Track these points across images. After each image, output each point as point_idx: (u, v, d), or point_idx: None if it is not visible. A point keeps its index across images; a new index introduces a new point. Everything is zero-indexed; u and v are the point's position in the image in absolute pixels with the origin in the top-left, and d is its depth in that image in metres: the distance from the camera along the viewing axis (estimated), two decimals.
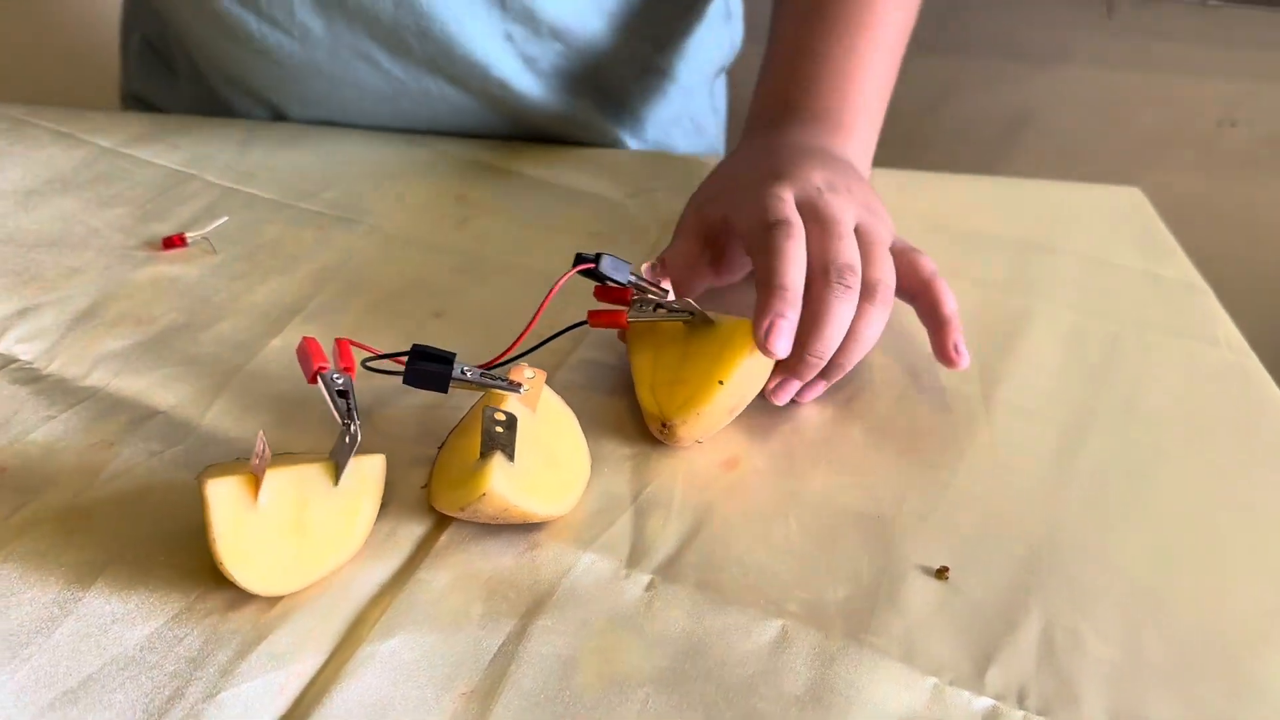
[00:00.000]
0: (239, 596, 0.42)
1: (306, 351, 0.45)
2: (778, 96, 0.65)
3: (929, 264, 0.56)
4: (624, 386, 0.53)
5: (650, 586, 0.43)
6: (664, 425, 0.48)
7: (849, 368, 0.52)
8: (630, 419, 0.52)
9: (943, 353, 0.54)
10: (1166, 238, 0.70)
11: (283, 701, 0.38)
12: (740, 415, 0.51)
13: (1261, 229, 1.47)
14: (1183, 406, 0.55)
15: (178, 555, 0.43)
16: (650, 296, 0.51)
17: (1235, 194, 1.45)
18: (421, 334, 0.56)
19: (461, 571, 0.44)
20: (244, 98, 0.78)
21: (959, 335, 0.54)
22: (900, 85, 1.40)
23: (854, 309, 0.50)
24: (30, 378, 0.52)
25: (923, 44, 1.44)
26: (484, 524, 0.45)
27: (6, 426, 0.49)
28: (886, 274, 0.52)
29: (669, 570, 0.44)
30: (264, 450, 0.41)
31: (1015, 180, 0.75)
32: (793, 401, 0.53)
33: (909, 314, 0.57)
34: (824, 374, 0.52)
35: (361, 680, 0.39)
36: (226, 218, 0.65)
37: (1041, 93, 1.41)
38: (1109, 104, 1.41)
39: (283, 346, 0.55)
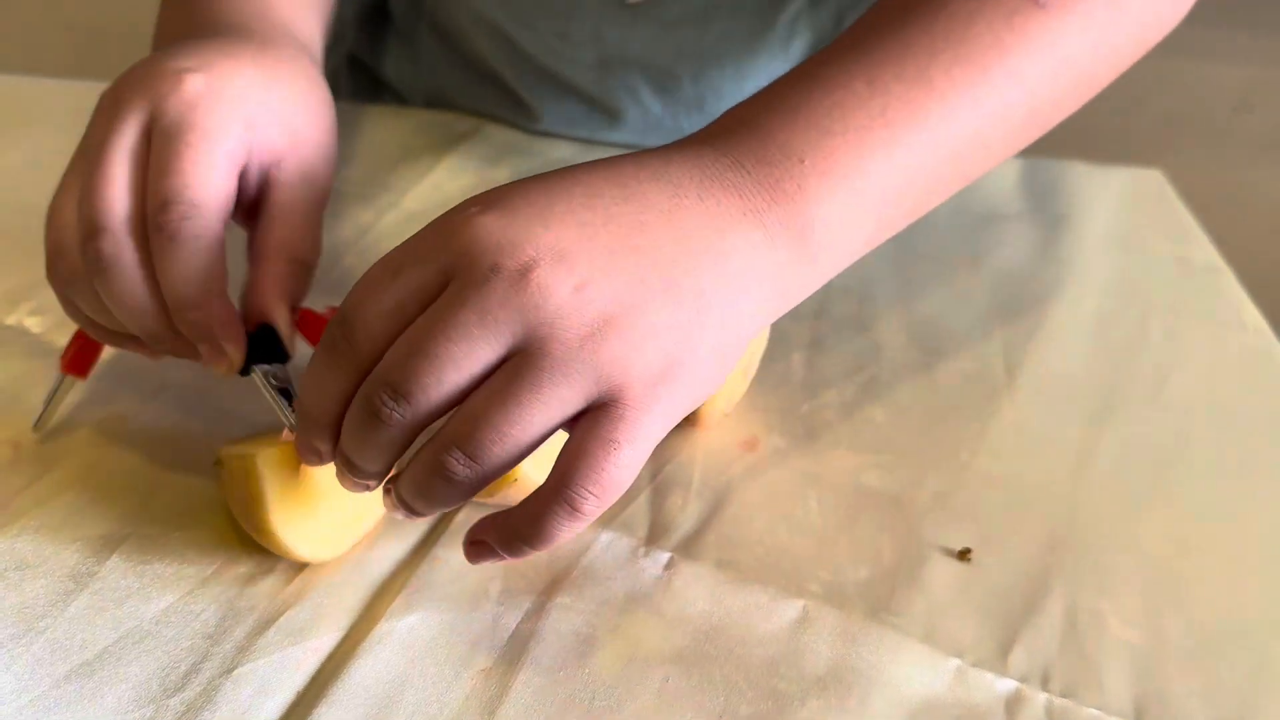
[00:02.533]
0: (256, 571, 0.42)
1: (306, 322, 0.45)
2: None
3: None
4: None
5: (669, 565, 0.43)
6: None
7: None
8: None
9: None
10: (1189, 220, 0.69)
11: (300, 677, 0.38)
12: (759, 397, 0.50)
13: (1278, 215, 1.46)
14: (1207, 390, 0.54)
15: (194, 529, 0.43)
16: None
17: (1251, 179, 1.43)
18: None
19: None
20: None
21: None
22: None
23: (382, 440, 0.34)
24: (43, 351, 0.52)
25: None
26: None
27: (20, 400, 0.49)
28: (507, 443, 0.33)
29: (688, 549, 0.44)
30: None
31: (1037, 161, 0.74)
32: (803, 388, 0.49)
33: (933, 293, 0.57)
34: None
35: (379, 657, 0.39)
36: None
37: None
38: (1124, 88, 1.40)
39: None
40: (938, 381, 0.54)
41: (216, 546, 0.43)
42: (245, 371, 0.42)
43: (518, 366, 0.32)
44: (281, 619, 0.40)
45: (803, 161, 0.36)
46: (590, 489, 0.33)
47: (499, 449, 0.33)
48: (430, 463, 0.33)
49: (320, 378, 0.35)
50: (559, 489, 0.33)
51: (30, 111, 0.73)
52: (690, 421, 0.48)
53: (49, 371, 0.50)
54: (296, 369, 0.41)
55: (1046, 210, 0.69)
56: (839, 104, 0.37)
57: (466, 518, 0.45)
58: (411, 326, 0.33)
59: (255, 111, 0.43)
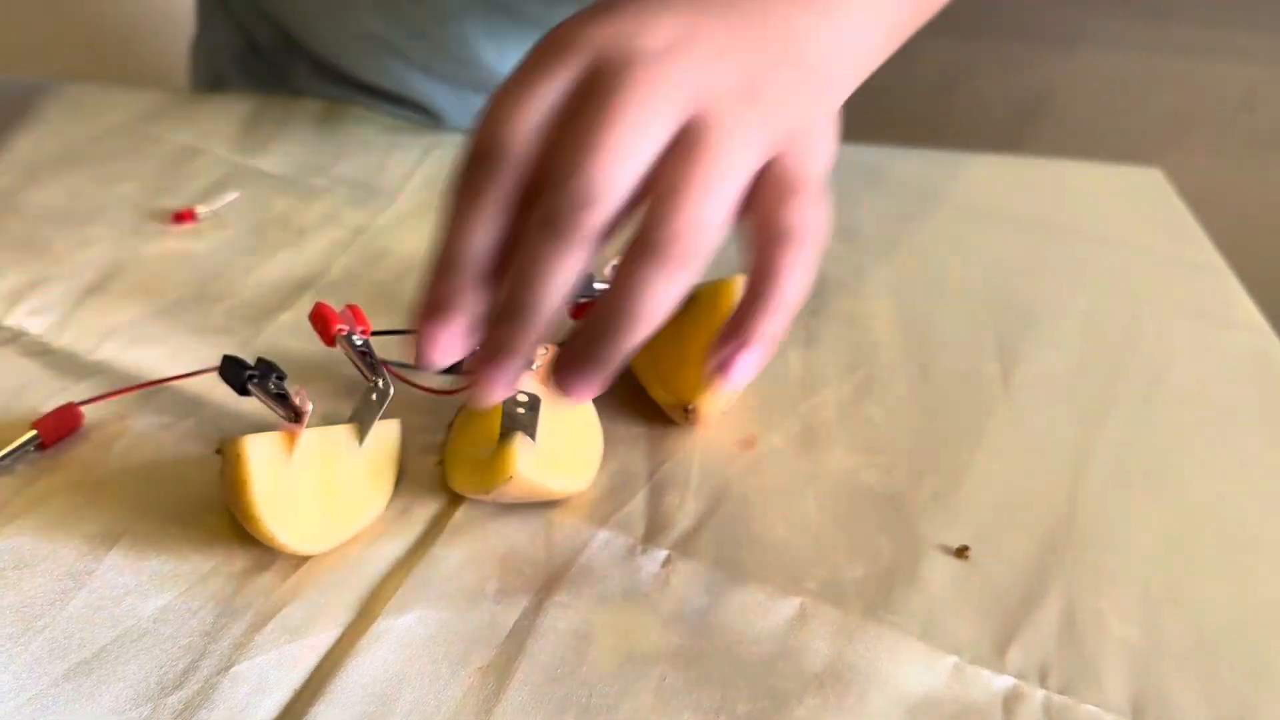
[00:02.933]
0: (253, 568, 0.42)
1: (322, 316, 0.45)
2: None
3: (800, 216, 0.34)
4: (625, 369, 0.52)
5: (666, 563, 0.43)
6: (687, 410, 0.48)
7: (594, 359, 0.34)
8: (637, 399, 0.51)
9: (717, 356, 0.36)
10: (1187, 219, 0.69)
11: (297, 675, 0.38)
12: (756, 395, 0.51)
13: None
14: (1203, 388, 0.54)
15: (190, 528, 0.43)
16: None
17: (1254, 178, 1.44)
18: None
19: (476, 548, 0.43)
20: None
21: (755, 343, 0.35)
22: (913, 68, 1.39)
23: (568, 263, 0.32)
24: (41, 350, 0.52)
25: (935, 27, 1.43)
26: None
27: (17, 399, 0.49)
28: (698, 215, 0.31)
29: (685, 547, 0.44)
30: (305, 405, 0.41)
31: (1035, 160, 0.75)
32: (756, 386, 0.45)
33: (927, 291, 0.57)
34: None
35: (376, 655, 0.39)
36: (238, 193, 0.64)
37: (1057, 75, 1.40)
38: (1125, 87, 1.40)
39: (293, 320, 0.54)
40: (933, 379, 0.54)
41: (213, 543, 0.43)
42: (244, 391, 0.42)
43: (693, 137, 0.32)
44: (278, 616, 0.40)
45: None
46: (804, 216, 0.34)
47: (709, 208, 0.31)
48: (642, 262, 0.31)
49: (470, 214, 0.32)
50: (778, 229, 0.33)
51: (30, 112, 0.73)
52: (687, 420, 0.48)
53: (46, 371, 0.50)
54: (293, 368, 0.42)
55: (1043, 208, 0.69)
56: None
57: (465, 516, 0.45)
58: (571, 128, 0.31)
59: None
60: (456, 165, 0.34)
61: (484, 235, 0.33)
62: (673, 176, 0.31)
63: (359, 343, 0.44)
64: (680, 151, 0.32)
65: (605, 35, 0.32)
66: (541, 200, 0.32)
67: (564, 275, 0.32)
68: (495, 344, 0.34)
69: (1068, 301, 0.60)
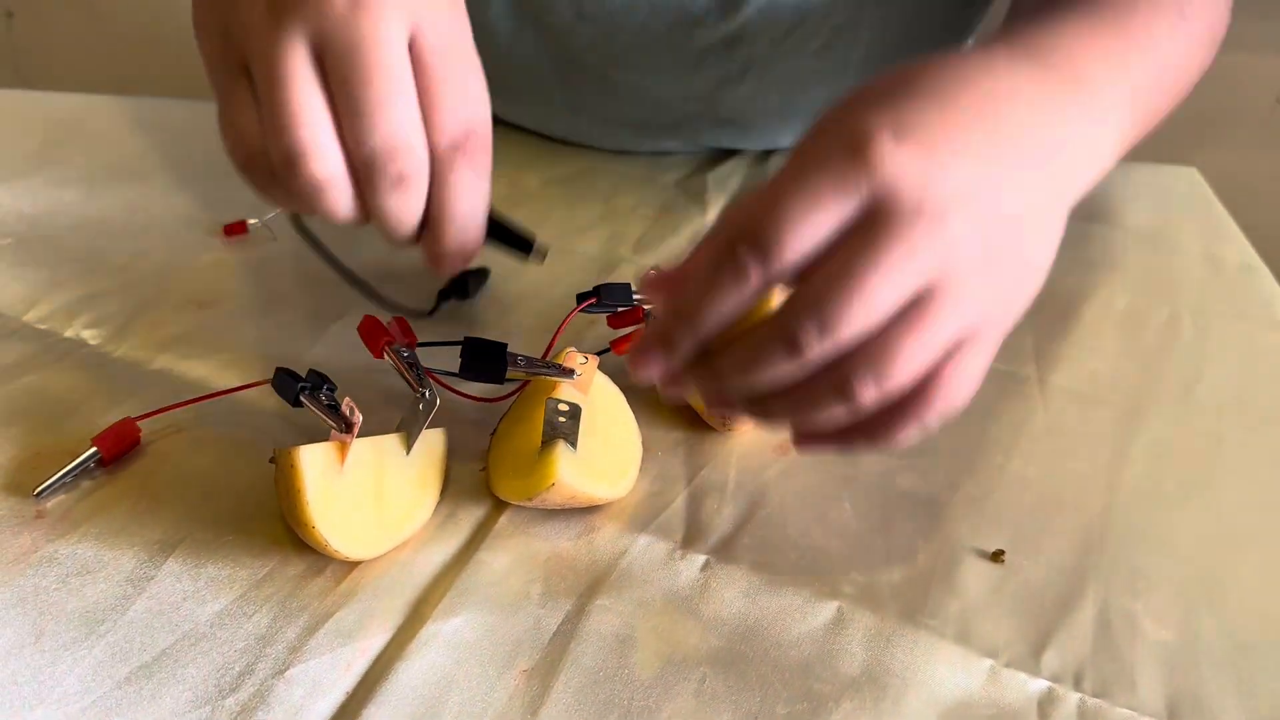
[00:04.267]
0: (306, 573, 0.43)
1: (370, 329, 0.46)
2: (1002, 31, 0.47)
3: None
4: None
5: (706, 567, 0.44)
6: (724, 417, 0.49)
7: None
8: (673, 406, 0.52)
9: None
10: (1224, 218, 0.69)
11: (350, 678, 0.39)
12: None
13: None
14: (1241, 390, 0.54)
15: (246, 535, 0.45)
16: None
17: None
18: (480, 318, 0.57)
19: (521, 553, 0.44)
20: None
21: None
22: None
23: (784, 368, 0.36)
24: (99, 362, 0.54)
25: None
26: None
27: (77, 410, 0.50)
28: (901, 364, 0.35)
29: (724, 551, 0.45)
30: (356, 417, 0.42)
31: None
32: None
33: None
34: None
35: (425, 658, 0.40)
36: None
37: None
38: None
39: (343, 330, 0.56)
40: None
41: (269, 549, 0.44)
42: (296, 403, 0.43)
43: (928, 300, 0.35)
44: (331, 620, 0.41)
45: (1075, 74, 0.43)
46: (942, 409, 0.37)
47: (905, 371, 0.35)
48: (835, 380, 0.35)
49: (715, 293, 0.36)
50: (913, 406, 0.37)
51: (83, 128, 0.75)
52: (724, 427, 0.49)
53: (105, 382, 0.52)
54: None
55: (1078, 208, 0.69)
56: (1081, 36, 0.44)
57: (509, 522, 0.46)
58: (831, 261, 0.34)
59: None
60: (726, 230, 0.36)
61: (729, 311, 0.36)
62: (892, 334, 0.35)
63: (405, 354, 0.45)
64: (912, 310, 0.35)
65: (900, 173, 0.34)
66: (784, 310, 0.35)
67: (774, 373, 0.36)
68: (708, 392, 0.39)
69: (1106, 302, 0.60)
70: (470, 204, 0.41)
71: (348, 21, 0.38)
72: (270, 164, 0.40)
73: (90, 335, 0.55)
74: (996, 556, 0.45)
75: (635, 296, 0.50)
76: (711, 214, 0.67)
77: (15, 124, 0.74)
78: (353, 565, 0.43)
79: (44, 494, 0.46)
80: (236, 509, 0.46)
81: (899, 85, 0.38)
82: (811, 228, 0.34)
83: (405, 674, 0.39)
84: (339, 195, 0.40)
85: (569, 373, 0.46)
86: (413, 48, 0.40)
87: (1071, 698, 0.39)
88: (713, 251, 0.36)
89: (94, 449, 0.47)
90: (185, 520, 0.45)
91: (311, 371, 0.45)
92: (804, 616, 0.42)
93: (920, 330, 0.35)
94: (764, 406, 0.38)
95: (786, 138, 0.73)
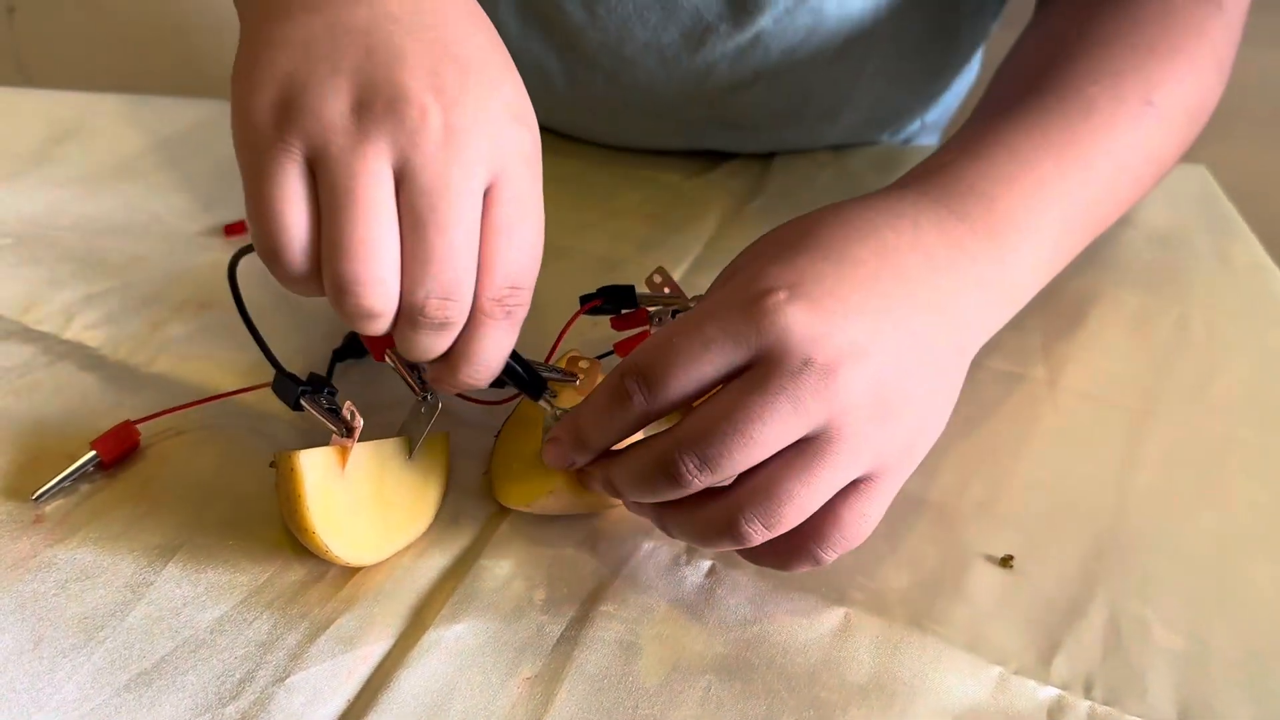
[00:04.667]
0: (307, 579, 0.43)
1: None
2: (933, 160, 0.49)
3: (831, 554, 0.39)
4: None
5: (711, 573, 0.43)
6: None
7: None
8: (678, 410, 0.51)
9: None
10: (1234, 216, 0.68)
11: (351, 685, 0.39)
12: None
13: None
14: (1253, 390, 0.54)
15: (246, 540, 0.44)
16: (665, 306, 0.50)
17: None
18: None
19: (524, 559, 0.44)
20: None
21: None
22: None
23: (674, 491, 0.38)
24: (97, 364, 0.53)
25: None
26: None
27: (75, 413, 0.50)
28: (799, 509, 0.37)
29: (730, 557, 0.44)
30: (357, 421, 0.42)
31: None
32: None
33: None
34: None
35: (427, 665, 0.39)
36: None
37: None
38: None
39: (343, 331, 0.55)
40: (979, 383, 0.53)
41: (269, 554, 0.44)
42: (297, 407, 0.43)
43: (817, 448, 0.37)
44: (332, 627, 0.41)
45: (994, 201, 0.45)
46: (837, 550, 0.39)
47: (792, 515, 0.37)
48: (723, 518, 0.37)
49: (606, 415, 0.39)
50: (807, 545, 0.38)
51: (84, 127, 0.74)
52: None
53: (104, 384, 0.52)
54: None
55: None
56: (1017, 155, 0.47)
57: (511, 527, 0.45)
58: (718, 401, 0.37)
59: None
60: (623, 369, 0.38)
61: (614, 434, 0.39)
62: (780, 477, 0.37)
63: None
64: (803, 454, 0.37)
65: (790, 329, 0.36)
66: (667, 439, 0.37)
67: (661, 494, 0.38)
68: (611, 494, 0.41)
69: (1115, 302, 0.60)
70: (495, 354, 0.40)
71: (438, 160, 0.36)
72: (308, 267, 0.38)
73: (89, 337, 0.55)
74: (1005, 562, 0.44)
75: (639, 297, 0.50)
76: (714, 216, 0.66)
77: (15, 122, 0.74)
78: (354, 571, 0.43)
79: (43, 498, 0.46)
80: (237, 513, 0.45)
81: (801, 239, 0.41)
82: (696, 371, 0.37)
83: (407, 681, 0.39)
84: (380, 325, 0.38)
85: (572, 377, 0.46)
86: (488, 195, 0.38)
87: (1081, 705, 0.39)
88: (610, 381, 0.39)
89: (93, 453, 0.46)
90: (185, 525, 0.45)
91: (312, 374, 0.44)
92: (810, 623, 0.41)
93: (808, 476, 0.37)
94: (660, 518, 0.41)
95: (792, 139, 0.73)
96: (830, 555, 0.39)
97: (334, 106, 0.36)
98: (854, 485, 0.38)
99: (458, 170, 0.37)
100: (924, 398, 0.40)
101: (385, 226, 0.36)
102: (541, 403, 0.43)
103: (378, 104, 0.36)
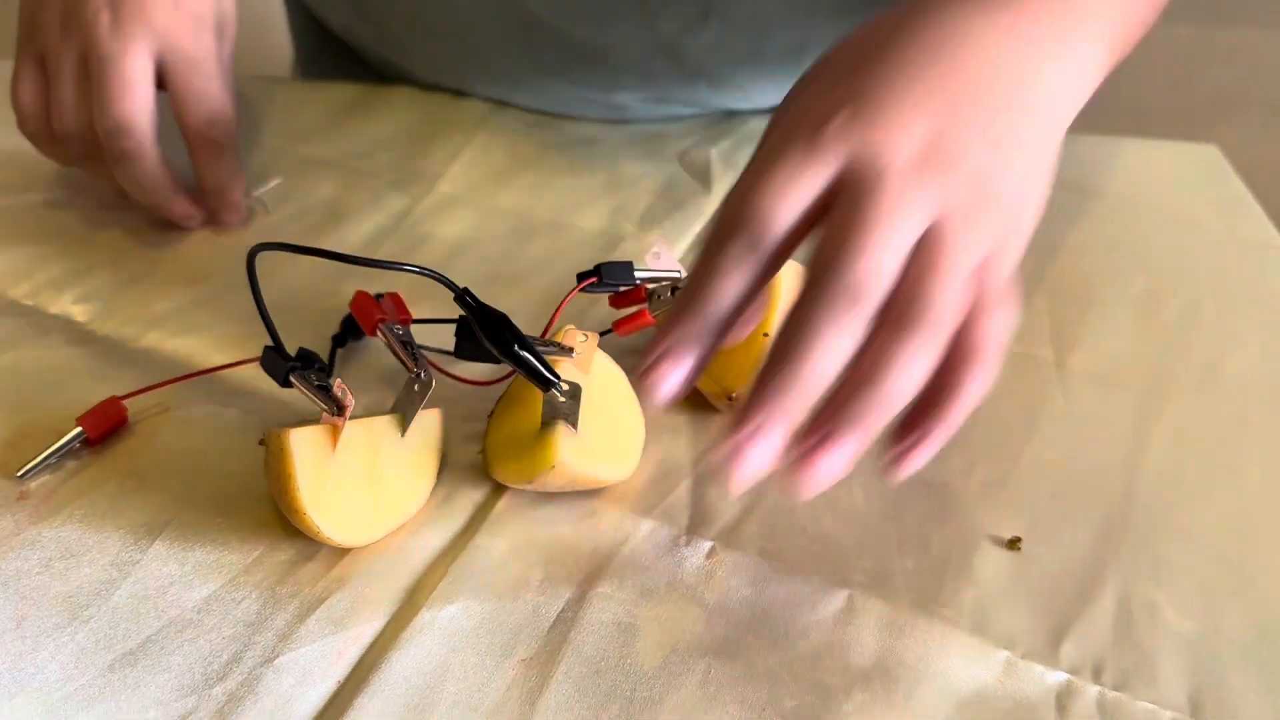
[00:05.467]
0: (297, 559, 0.42)
1: (363, 304, 0.44)
2: None
3: (991, 331, 0.37)
4: None
5: (711, 554, 0.42)
6: (730, 398, 0.47)
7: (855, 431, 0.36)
8: None
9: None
10: (1245, 197, 0.67)
11: (341, 666, 0.38)
12: None
13: None
14: (1263, 372, 0.53)
15: (235, 517, 0.43)
16: (664, 284, 0.49)
17: None
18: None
19: (520, 538, 0.43)
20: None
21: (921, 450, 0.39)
22: None
23: (842, 343, 0.35)
24: (86, 339, 0.52)
25: None
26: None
27: (62, 388, 0.49)
28: (938, 298, 0.36)
29: (730, 538, 0.43)
30: (348, 399, 0.40)
31: (1088, 136, 0.72)
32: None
33: None
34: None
35: (420, 646, 0.38)
36: (280, 179, 0.64)
37: None
38: (1178, 59, 1.37)
39: (336, 307, 0.54)
40: None
41: (258, 533, 0.43)
42: (285, 383, 0.42)
43: (938, 239, 0.36)
44: (322, 607, 0.40)
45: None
46: (1004, 334, 0.38)
47: (948, 303, 0.36)
48: (896, 337, 0.35)
49: (727, 276, 0.37)
50: (972, 352, 0.37)
51: None
52: (731, 408, 0.48)
53: (92, 359, 0.51)
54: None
55: (1098, 185, 0.67)
56: None
57: (507, 506, 0.44)
58: (834, 228, 0.36)
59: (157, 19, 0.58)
60: (715, 227, 0.38)
61: (733, 295, 0.37)
62: (917, 276, 0.36)
63: (400, 332, 0.44)
64: (923, 253, 0.36)
65: (860, 144, 0.36)
66: (811, 289, 0.36)
67: (837, 354, 0.35)
68: (756, 415, 0.36)
69: (1125, 282, 0.58)
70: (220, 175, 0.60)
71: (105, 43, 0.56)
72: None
73: (78, 311, 0.54)
74: (1013, 544, 0.43)
75: (637, 275, 0.49)
76: (717, 189, 0.65)
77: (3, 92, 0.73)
78: (345, 550, 0.42)
79: (28, 475, 0.44)
80: (225, 491, 0.44)
81: (855, 55, 0.40)
82: (791, 199, 0.36)
83: (399, 663, 0.38)
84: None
85: (568, 350, 0.45)
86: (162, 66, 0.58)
87: (1091, 690, 0.38)
88: (711, 249, 0.37)
89: (79, 429, 0.45)
90: (172, 502, 0.44)
91: (301, 350, 0.43)
92: (813, 605, 0.40)
93: (941, 263, 0.36)
94: (833, 414, 0.36)
95: (761, 93, 0.71)
96: (992, 349, 0.37)
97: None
98: (979, 275, 0.37)
99: (118, 46, 0.56)
100: (1015, 177, 0.39)
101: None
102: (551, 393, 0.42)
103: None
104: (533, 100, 0.73)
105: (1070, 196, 0.66)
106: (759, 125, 0.71)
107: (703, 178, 0.66)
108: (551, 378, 0.42)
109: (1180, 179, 0.68)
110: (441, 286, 0.42)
